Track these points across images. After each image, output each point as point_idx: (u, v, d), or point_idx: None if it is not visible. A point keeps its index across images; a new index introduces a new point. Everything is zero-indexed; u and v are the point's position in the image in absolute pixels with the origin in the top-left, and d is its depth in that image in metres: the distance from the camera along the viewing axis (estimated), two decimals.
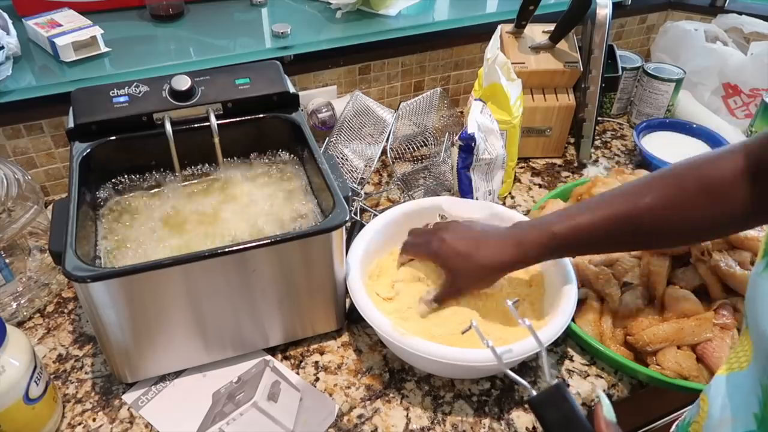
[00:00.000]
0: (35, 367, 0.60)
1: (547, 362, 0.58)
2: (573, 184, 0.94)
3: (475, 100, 0.91)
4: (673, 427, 0.54)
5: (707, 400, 0.46)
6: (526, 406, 0.68)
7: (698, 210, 0.59)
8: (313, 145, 0.76)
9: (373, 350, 0.75)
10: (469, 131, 0.84)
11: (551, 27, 1.06)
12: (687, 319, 0.70)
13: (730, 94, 1.20)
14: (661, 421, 0.90)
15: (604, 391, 0.71)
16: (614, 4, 1.07)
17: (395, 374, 0.72)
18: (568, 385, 0.71)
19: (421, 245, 0.74)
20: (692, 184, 0.59)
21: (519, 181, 1.07)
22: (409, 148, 1.05)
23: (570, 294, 0.69)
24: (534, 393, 0.54)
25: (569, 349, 0.76)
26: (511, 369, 0.69)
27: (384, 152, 0.98)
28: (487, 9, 1.20)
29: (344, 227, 0.66)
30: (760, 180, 0.55)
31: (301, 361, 0.73)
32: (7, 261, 0.77)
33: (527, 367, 0.73)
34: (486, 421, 0.67)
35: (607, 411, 0.50)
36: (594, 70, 1.05)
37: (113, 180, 0.78)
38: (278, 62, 0.83)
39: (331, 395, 0.70)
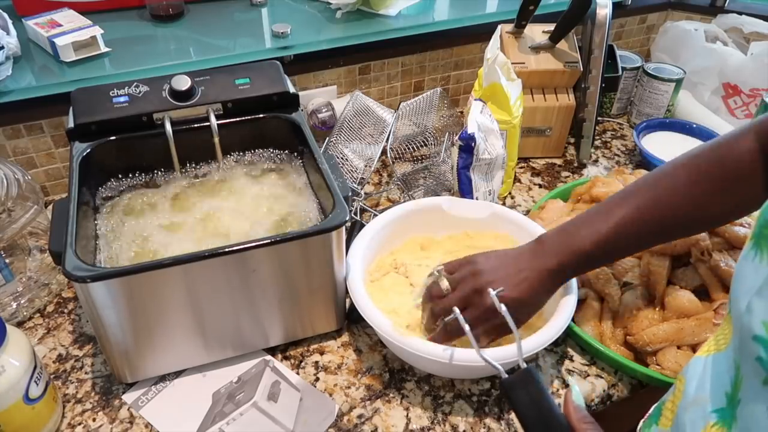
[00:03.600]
0: (35, 367, 0.60)
1: (519, 347, 0.59)
2: (573, 184, 0.94)
3: (475, 100, 0.91)
4: (651, 410, 0.54)
5: (684, 380, 0.47)
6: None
7: (720, 195, 0.59)
8: (313, 145, 0.76)
9: (373, 350, 0.75)
10: (469, 131, 0.84)
11: (551, 27, 1.06)
12: (687, 319, 0.70)
13: (730, 94, 1.20)
14: None
15: (604, 390, 0.71)
16: (614, 4, 1.07)
17: (395, 374, 0.72)
18: (568, 386, 0.71)
19: (482, 309, 0.63)
20: (711, 170, 0.59)
21: (519, 181, 1.07)
22: (409, 148, 1.05)
23: (570, 294, 0.69)
24: (506, 376, 0.55)
25: (569, 349, 0.76)
26: (513, 367, 0.69)
27: (384, 152, 0.98)
28: (487, 9, 1.20)
29: (344, 227, 0.66)
30: None
31: (301, 361, 0.73)
32: (7, 261, 0.77)
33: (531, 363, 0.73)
34: (486, 421, 0.67)
35: (576, 397, 0.52)
36: (594, 70, 1.05)
37: (113, 180, 0.78)
38: (278, 62, 0.83)
39: (331, 395, 0.70)
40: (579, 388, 0.54)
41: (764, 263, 0.38)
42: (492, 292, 0.63)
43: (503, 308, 0.61)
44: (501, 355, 0.61)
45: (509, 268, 0.64)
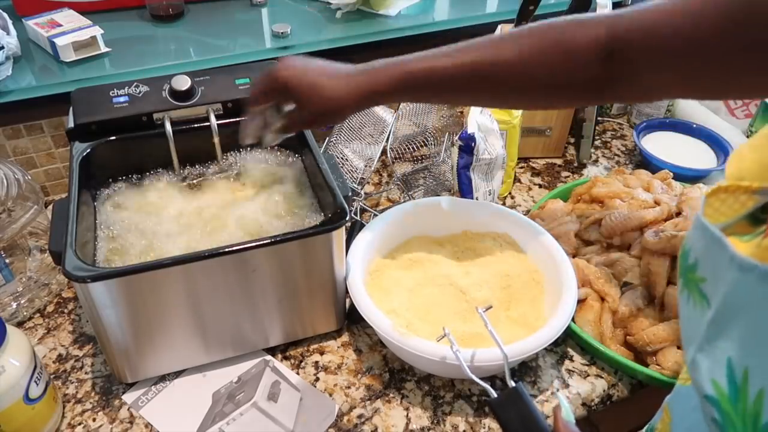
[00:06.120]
0: (35, 367, 0.60)
1: (508, 367, 0.59)
2: (573, 184, 0.94)
3: None
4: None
5: (669, 410, 0.46)
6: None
7: (554, 71, 0.58)
8: (313, 145, 0.76)
9: (373, 350, 0.75)
10: (469, 131, 0.84)
11: None
12: None
13: None
14: None
15: (604, 390, 0.71)
16: (614, 4, 1.07)
17: (395, 374, 0.72)
18: (569, 392, 0.71)
19: (262, 81, 0.65)
20: (552, 43, 0.58)
21: (519, 181, 1.07)
22: (409, 148, 1.05)
23: (570, 294, 0.69)
24: (495, 395, 0.55)
25: (569, 349, 0.76)
26: (512, 368, 0.69)
27: (384, 152, 0.98)
28: (487, 9, 1.20)
29: (344, 227, 0.66)
30: (614, 58, 0.55)
31: (301, 361, 0.73)
32: (7, 261, 0.77)
33: (527, 367, 0.73)
34: (486, 421, 0.67)
35: (565, 413, 0.52)
36: None
37: (113, 180, 0.78)
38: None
39: (331, 395, 0.70)
40: (568, 403, 0.54)
41: (697, 310, 0.36)
42: (479, 310, 0.63)
43: (489, 326, 0.61)
44: (487, 357, 0.62)
45: (328, 64, 0.65)
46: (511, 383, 0.56)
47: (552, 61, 0.58)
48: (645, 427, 0.53)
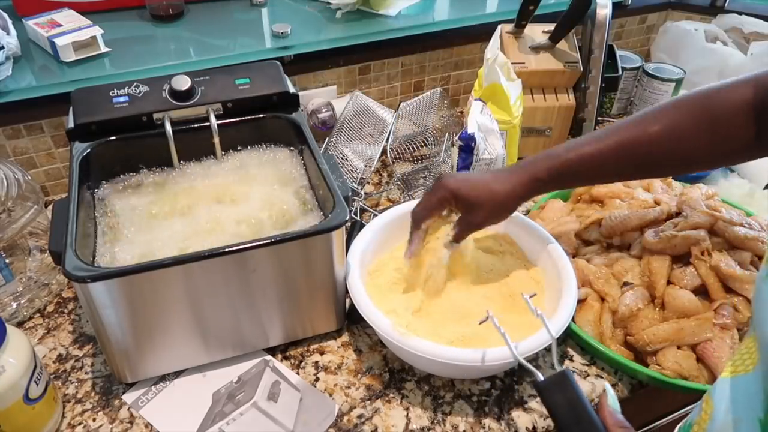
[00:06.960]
0: (35, 367, 0.60)
1: (555, 351, 0.59)
2: None
3: (475, 100, 0.92)
4: (676, 429, 0.54)
5: (711, 402, 0.46)
6: (530, 401, 0.69)
7: (704, 140, 0.60)
8: (313, 145, 0.76)
9: (373, 350, 0.75)
10: (469, 131, 0.84)
11: (551, 27, 1.06)
12: (687, 319, 0.70)
13: None
14: (662, 420, 0.90)
15: (604, 390, 0.71)
16: (614, 4, 1.07)
17: (395, 374, 0.72)
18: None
19: (431, 194, 0.69)
20: (700, 114, 0.60)
21: None
22: (409, 148, 1.05)
23: (570, 294, 0.69)
24: (542, 378, 0.55)
25: (569, 349, 0.76)
26: (512, 368, 0.69)
27: (384, 152, 0.98)
28: (487, 9, 1.21)
29: (344, 227, 0.66)
30: (763, 116, 0.57)
31: (301, 361, 0.73)
32: (7, 261, 0.77)
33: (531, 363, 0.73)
34: (486, 421, 0.67)
35: (612, 401, 0.52)
36: (594, 70, 1.05)
37: (113, 180, 0.78)
38: (278, 62, 0.83)
39: (331, 395, 0.70)
40: (614, 392, 0.54)
41: None
42: (525, 296, 0.64)
43: (539, 311, 0.61)
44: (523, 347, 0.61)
45: (480, 173, 0.69)
46: (559, 367, 0.56)
47: (700, 131, 0.60)
48: (679, 425, 0.53)
